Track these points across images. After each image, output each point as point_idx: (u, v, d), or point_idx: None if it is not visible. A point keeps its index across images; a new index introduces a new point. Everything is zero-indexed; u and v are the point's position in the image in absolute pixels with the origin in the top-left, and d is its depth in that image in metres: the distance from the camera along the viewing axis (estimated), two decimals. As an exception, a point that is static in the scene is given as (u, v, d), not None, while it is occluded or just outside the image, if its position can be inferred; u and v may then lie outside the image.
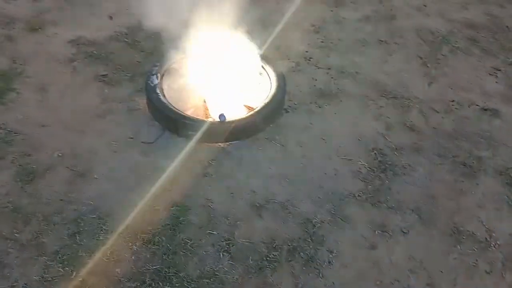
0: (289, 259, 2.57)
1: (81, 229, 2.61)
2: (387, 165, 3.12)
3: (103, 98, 3.45)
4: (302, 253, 2.60)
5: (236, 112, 3.27)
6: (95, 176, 2.91)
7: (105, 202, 2.76)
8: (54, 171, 2.91)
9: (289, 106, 3.49)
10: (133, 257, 2.51)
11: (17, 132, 3.14)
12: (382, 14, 4.56)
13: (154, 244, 2.57)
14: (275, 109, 3.27)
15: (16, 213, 2.67)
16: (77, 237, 2.57)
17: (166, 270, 2.46)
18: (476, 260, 2.66)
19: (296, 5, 4.42)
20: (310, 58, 3.97)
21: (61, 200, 2.76)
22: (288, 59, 3.93)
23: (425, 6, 4.71)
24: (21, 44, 3.89)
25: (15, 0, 4.46)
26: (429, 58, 4.03)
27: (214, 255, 2.56)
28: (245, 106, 3.39)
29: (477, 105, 3.62)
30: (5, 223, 2.62)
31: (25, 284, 2.37)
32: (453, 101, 3.64)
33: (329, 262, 2.59)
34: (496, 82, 3.85)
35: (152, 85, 3.28)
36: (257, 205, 2.82)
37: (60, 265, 2.45)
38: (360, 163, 3.13)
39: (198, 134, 3.08)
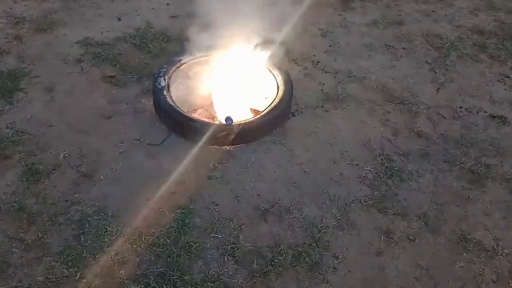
0: (294, 264, 2.56)
1: (86, 230, 2.61)
2: (393, 171, 3.10)
3: (110, 99, 3.45)
4: (307, 258, 2.59)
5: (242, 115, 3.25)
6: (101, 177, 2.90)
7: (110, 203, 2.76)
8: (59, 171, 2.92)
9: (296, 110, 3.48)
10: (137, 259, 2.51)
11: (24, 131, 3.14)
12: (390, 19, 4.55)
13: (158, 247, 2.56)
14: (281, 113, 3.25)
15: (22, 212, 2.67)
16: (82, 238, 2.57)
17: (171, 273, 2.45)
18: (483, 269, 2.64)
19: (303, 9, 4.41)
20: (317, 62, 3.96)
21: (66, 200, 2.75)
22: (296, 63, 3.92)
23: (433, 11, 4.70)
24: (29, 44, 3.91)
25: (23, 0, 4.48)
26: (437, 63, 4.01)
27: (218, 259, 2.55)
28: (251, 109, 3.37)
29: (485, 111, 3.60)
30: (10, 223, 2.62)
31: (29, 284, 2.36)
32: (461, 107, 3.62)
33: (334, 268, 2.57)
34: (505, 89, 3.82)
35: (159, 87, 3.27)
36: (262, 209, 2.81)
37: (65, 266, 2.44)
38: (367, 168, 3.11)
39: (205, 137, 3.07)
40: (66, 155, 3.01)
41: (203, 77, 3.62)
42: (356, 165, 3.13)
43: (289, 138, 3.27)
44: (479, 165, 3.19)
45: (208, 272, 2.48)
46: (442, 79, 3.86)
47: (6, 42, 3.91)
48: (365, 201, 2.91)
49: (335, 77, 3.82)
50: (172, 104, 3.19)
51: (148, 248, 2.55)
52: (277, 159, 3.12)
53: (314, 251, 2.63)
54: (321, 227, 2.75)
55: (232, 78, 3.47)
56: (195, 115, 3.24)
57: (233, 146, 3.16)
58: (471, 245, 2.74)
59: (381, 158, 3.18)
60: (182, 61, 3.56)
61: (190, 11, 4.45)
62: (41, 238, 2.56)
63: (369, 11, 4.67)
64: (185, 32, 4.11)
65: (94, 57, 3.81)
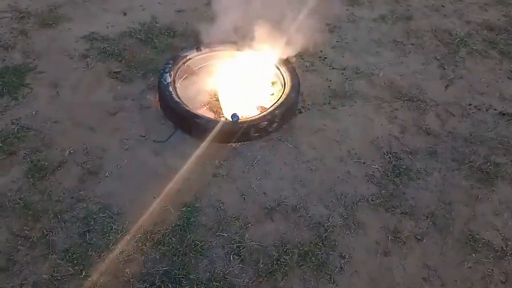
0: (300, 263, 2.53)
1: (91, 228, 2.60)
2: (401, 169, 3.06)
3: (116, 95, 3.43)
4: (313, 258, 2.56)
5: (248, 112, 3.22)
6: (106, 174, 2.89)
7: (116, 200, 2.74)
8: (65, 168, 2.90)
9: (303, 107, 3.44)
10: (143, 258, 2.49)
11: (29, 127, 3.13)
12: (398, 14, 4.48)
13: (164, 245, 2.55)
14: (288, 110, 3.22)
15: (27, 209, 2.66)
16: (87, 236, 2.56)
17: (176, 271, 2.44)
18: (492, 269, 2.61)
19: (310, 3, 4.35)
20: (324, 58, 3.91)
21: (72, 197, 2.74)
22: (302, 59, 3.87)
23: (443, 6, 4.62)
24: (34, 39, 3.88)
25: (29, -6, 4.46)
26: (446, 60, 3.95)
27: (224, 258, 2.54)
28: (259, 107, 3.33)
29: (495, 109, 3.54)
30: (16, 220, 2.62)
31: (35, 282, 2.36)
32: (470, 104, 3.57)
33: (341, 268, 2.55)
34: (515, 86, 3.77)
35: (165, 83, 3.25)
36: (269, 207, 2.79)
37: (70, 264, 2.44)
38: (374, 166, 3.07)
39: (211, 134, 3.04)
40: (71, 151, 3.00)
41: (209, 73, 3.58)
42: (364, 163, 3.09)
43: (296, 135, 3.23)
44: (488, 163, 3.14)
45: (214, 271, 2.47)
46: (451, 75, 3.80)
47: (12, 37, 3.89)
48: (372, 200, 2.88)
49: (343, 73, 3.77)
50: (178, 100, 3.17)
51: (154, 247, 2.54)
52: (283, 156, 3.09)
53: (321, 251, 2.60)
54: (327, 226, 2.72)
55: (238, 74, 3.44)
56: (200, 112, 3.20)
57: (239, 143, 3.13)
58: (479, 245, 2.71)
59: (389, 156, 3.14)
60: (188, 57, 3.53)
61: (196, 5, 4.42)
62: (47, 235, 2.56)
63: (377, 6, 4.60)
64: (191, 26, 4.12)
65: (99, 53, 3.79)
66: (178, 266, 2.46)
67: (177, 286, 2.39)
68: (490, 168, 3.11)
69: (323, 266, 2.54)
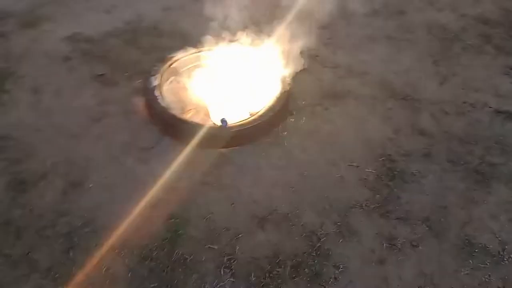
0: (293, 275, 2.45)
1: (75, 244, 2.49)
2: (395, 172, 2.98)
3: (100, 100, 3.31)
4: (306, 269, 2.48)
5: (238, 116, 3.11)
6: (90, 185, 2.78)
7: (100, 213, 2.64)
8: (47, 180, 2.79)
9: (294, 108, 3.33)
10: (129, 275, 2.40)
11: (9, 137, 3.01)
12: (391, 9, 4.37)
13: (151, 260, 2.45)
14: (279, 112, 3.11)
15: (8, 226, 2.56)
16: (71, 253, 2.46)
17: (164, 288, 2.35)
18: (489, 275, 2.54)
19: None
20: (316, 56, 3.80)
21: (54, 212, 2.64)
22: (293, 57, 3.75)
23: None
24: (14, 41, 3.74)
25: (8, -7, 4.31)
26: (441, 56, 3.85)
27: (214, 272, 2.45)
28: (250, 112, 3.21)
29: (490, 107, 3.46)
30: (-4, 237, 2.51)
31: (17, 303, 2.27)
32: (465, 102, 3.48)
33: (335, 279, 2.47)
34: (510, 82, 3.68)
35: (151, 86, 3.13)
36: (260, 216, 2.70)
37: (53, 283, 2.34)
38: (368, 170, 2.99)
39: (199, 140, 2.94)
40: (53, 161, 2.88)
41: (197, 74, 3.47)
42: (357, 166, 3.01)
43: (287, 138, 3.14)
44: (484, 164, 3.07)
45: (204, 287, 2.38)
46: (445, 72, 3.71)
47: (-10, 40, 3.75)
48: (366, 205, 2.80)
49: (335, 72, 3.67)
50: (164, 105, 3.06)
51: (141, 262, 2.44)
52: (274, 161, 2.99)
53: (314, 261, 2.52)
54: (321, 234, 2.64)
55: (227, 75, 3.32)
56: (188, 117, 3.10)
57: (229, 148, 3.03)
58: (476, 251, 2.64)
59: (383, 159, 3.05)
60: (175, 58, 3.41)
61: (183, 2, 4.29)
62: (28, 253, 2.45)
63: (369, 0, 4.47)
64: (178, 25, 3.99)
65: (82, 54, 3.66)
66: (166, 282, 2.37)
67: (166, 303, 2.31)
68: (486, 169, 3.03)
69: (317, 278, 2.46)
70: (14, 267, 2.39)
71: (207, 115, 3.20)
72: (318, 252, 2.56)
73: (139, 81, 3.40)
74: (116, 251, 2.47)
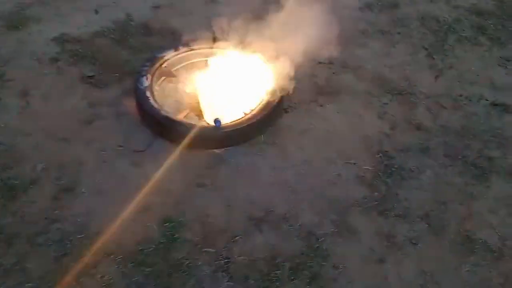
0: (292, 277, 2.41)
1: (68, 251, 2.43)
2: (393, 169, 2.94)
3: (90, 102, 3.23)
4: (305, 271, 2.44)
5: (231, 116, 3.05)
6: (83, 190, 2.72)
7: (93, 219, 2.58)
8: (38, 185, 2.72)
9: (289, 106, 3.28)
10: (125, 282, 2.35)
11: (-3, 142, 2.93)
12: (384, 1, 4.30)
13: (147, 266, 2.40)
14: (273, 111, 3.06)
15: (-2, 234, 2.49)
16: (64, 260, 2.40)
17: (161, 294, 2.30)
18: (490, 272, 2.52)
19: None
20: (309, 52, 3.73)
21: (46, 218, 2.57)
22: (286, 53, 3.69)
23: (429, -9, 4.46)
24: (0, 43, 3.64)
25: (-7, -6, 4.20)
26: (435, 48, 3.81)
27: (212, 276, 2.40)
28: (243, 112, 3.15)
29: (486, 99, 3.43)
30: (-14, 246, 2.45)
31: (10, 315, 2.21)
32: (461, 95, 3.45)
33: (335, 279, 2.44)
34: (506, 73, 3.65)
35: (142, 87, 3.06)
36: (257, 217, 2.65)
37: (47, 292, 2.28)
38: (365, 167, 2.95)
39: (192, 140, 2.88)
40: (44, 166, 2.81)
41: (189, 74, 3.41)
42: (354, 164, 2.97)
43: (282, 137, 3.09)
44: (481, 158, 3.04)
45: (202, 291, 2.33)
46: (440, 65, 3.67)
47: (-25, 42, 3.66)
48: (364, 203, 2.76)
49: (329, 67, 3.61)
50: (156, 105, 2.99)
51: (136, 268, 2.39)
52: (270, 161, 2.94)
53: (313, 262, 2.48)
54: (319, 235, 2.60)
55: (220, 74, 3.26)
56: (181, 117, 3.03)
57: (223, 148, 2.98)
58: (476, 246, 2.61)
59: (380, 155, 3.01)
60: (166, 58, 3.34)
61: (172, 0, 4.21)
62: (20, 261, 2.39)
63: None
64: (168, 23, 3.91)
65: (71, 56, 3.57)
66: (163, 288, 2.32)
67: (163, 310, 2.26)
68: (484, 163, 3.01)
69: (316, 279, 2.42)
70: (6, 276, 2.33)
71: (200, 115, 3.14)
72: (317, 253, 2.52)
73: (130, 82, 3.33)
74: (110, 257, 2.42)
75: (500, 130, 3.20)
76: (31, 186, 2.71)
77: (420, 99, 3.39)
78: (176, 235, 2.53)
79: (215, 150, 2.97)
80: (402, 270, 2.50)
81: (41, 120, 3.09)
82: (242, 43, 3.29)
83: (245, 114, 3.03)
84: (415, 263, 2.53)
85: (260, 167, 2.91)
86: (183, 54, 3.41)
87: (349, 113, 3.29)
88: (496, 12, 4.18)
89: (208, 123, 3.03)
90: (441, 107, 3.35)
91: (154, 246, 2.48)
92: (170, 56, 3.36)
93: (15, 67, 3.46)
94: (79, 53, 3.59)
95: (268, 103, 3.03)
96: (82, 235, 2.49)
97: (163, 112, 2.96)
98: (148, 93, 3.04)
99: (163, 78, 3.31)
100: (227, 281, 2.38)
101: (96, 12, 4.03)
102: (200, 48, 3.45)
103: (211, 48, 3.44)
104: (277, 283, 2.38)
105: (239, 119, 2.99)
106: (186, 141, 2.88)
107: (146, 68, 3.20)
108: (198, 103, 3.20)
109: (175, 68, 3.36)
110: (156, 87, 3.21)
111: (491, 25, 4.03)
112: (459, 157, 3.03)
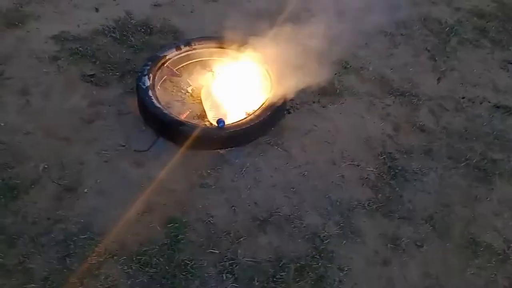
0: (297, 279, 2.40)
1: (71, 252, 2.40)
2: (397, 171, 2.94)
3: (91, 101, 3.19)
4: (310, 273, 2.43)
5: (235, 116, 3.03)
6: (85, 190, 2.69)
7: (97, 219, 2.55)
8: (39, 185, 2.68)
9: (291, 107, 3.26)
10: (129, 282, 2.33)
11: (-2, 141, 2.89)
12: (386, 2, 4.29)
13: (151, 267, 2.38)
14: (276, 111, 3.04)
15: (0, 234, 2.45)
16: (67, 261, 2.37)
17: (166, 296, 2.27)
18: (495, 274, 2.53)
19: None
20: (311, 53, 3.71)
21: (49, 218, 2.54)
22: (288, 55, 3.67)
23: (430, -7, 4.45)
24: (-1, 41, 3.60)
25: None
26: (437, 50, 3.81)
27: (216, 277, 2.38)
28: (246, 112, 3.12)
29: (489, 101, 3.43)
30: (-12, 246, 2.41)
31: (12, 316, 2.17)
32: (463, 97, 3.45)
33: (340, 281, 2.43)
34: (508, 76, 3.65)
35: (144, 87, 3.03)
36: (261, 218, 2.64)
37: (50, 293, 2.25)
38: (369, 169, 2.94)
39: (195, 141, 2.85)
40: (46, 166, 2.77)
41: (191, 73, 3.38)
42: (357, 165, 2.96)
43: (285, 138, 3.07)
44: (485, 160, 3.04)
45: (206, 293, 2.31)
46: (442, 67, 3.67)
47: (-26, 40, 3.60)
48: (368, 205, 2.75)
49: (331, 68, 3.59)
50: (159, 105, 2.96)
51: (141, 269, 2.37)
52: (273, 162, 2.93)
53: (318, 264, 2.47)
54: (323, 236, 2.59)
55: (223, 74, 3.24)
56: (184, 117, 3.01)
57: (227, 149, 2.95)
58: (481, 249, 2.62)
59: (383, 157, 3.01)
60: (168, 57, 3.31)
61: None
62: (23, 262, 2.36)
63: (363, -6, 4.41)
64: (169, 22, 3.88)
65: (71, 54, 3.52)
66: (167, 290, 2.30)
67: (168, 312, 2.23)
68: (487, 165, 3.01)
69: (321, 281, 2.41)
70: (9, 277, 2.30)
71: (203, 115, 3.11)
72: (322, 255, 2.51)
73: (131, 81, 3.30)
74: (114, 258, 2.40)
75: (503, 132, 3.21)
76: (32, 186, 2.67)
77: (423, 101, 3.39)
78: (180, 236, 2.51)
79: (218, 150, 2.94)
80: (407, 272, 2.50)
81: (41, 119, 3.05)
82: (245, 43, 3.26)
83: (248, 114, 3.01)
84: (420, 265, 2.53)
85: (264, 168, 2.89)
86: (185, 53, 3.38)
87: (351, 114, 3.28)
88: (498, 14, 4.19)
89: (211, 123, 3.01)
90: (444, 109, 3.35)
91: (158, 247, 2.45)
92: (172, 55, 3.32)
93: (14, 65, 3.41)
94: (79, 52, 3.54)
95: (271, 104, 3.00)
96: (86, 236, 2.46)
97: (165, 112, 2.93)
98: (150, 93, 3.00)
99: (165, 77, 3.28)
100: (232, 283, 2.37)
101: (96, 10, 3.98)
102: (202, 48, 3.41)
103: (214, 47, 3.41)
104: (282, 285, 2.37)
105: (242, 120, 2.97)
106: (189, 141, 2.85)
107: (148, 67, 3.16)
108: (200, 103, 3.17)
109: (177, 68, 3.33)
110: (158, 87, 3.18)
111: (493, 28, 4.04)
112: (463, 159, 3.03)
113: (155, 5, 4.11)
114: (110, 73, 3.39)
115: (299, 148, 3.02)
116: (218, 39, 3.38)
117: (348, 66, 3.62)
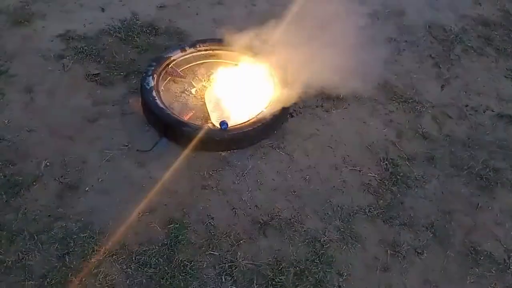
0: (296, 283, 2.39)
1: (71, 250, 2.40)
2: (398, 177, 2.93)
3: (95, 100, 3.21)
4: (310, 277, 2.42)
5: (238, 118, 3.03)
6: (86, 188, 2.69)
7: (97, 218, 2.56)
8: (41, 182, 2.69)
9: (294, 110, 3.27)
10: (128, 282, 2.32)
11: (1, 138, 2.90)
12: (391, 9, 4.30)
13: (150, 267, 2.37)
14: (279, 114, 3.04)
15: (0, 231, 2.46)
16: (67, 259, 2.37)
17: (164, 297, 2.27)
18: (495, 284, 2.51)
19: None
20: (315, 57, 3.72)
21: (49, 215, 2.54)
22: (292, 59, 3.67)
23: (436, 0, 4.46)
24: (5, 39, 3.61)
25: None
26: (441, 58, 3.81)
27: (215, 279, 2.38)
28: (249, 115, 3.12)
29: (492, 110, 3.43)
30: (-12, 243, 2.41)
31: (10, 313, 2.17)
32: (467, 106, 3.44)
33: (339, 287, 2.43)
34: (512, 85, 3.65)
35: (148, 87, 3.04)
36: (261, 221, 2.63)
37: (49, 290, 2.25)
38: (370, 174, 2.94)
39: (198, 142, 2.86)
40: (48, 164, 2.78)
41: (195, 75, 3.39)
42: (359, 171, 2.95)
43: (288, 141, 3.07)
44: (487, 169, 3.03)
45: (205, 295, 2.31)
46: (446, 75, 3.67)
47: (-20, 37, 3.62)
48: (369, 211, 2.75)
49: (335, 73, 3.58)
50: (162, 106, 2.97)
51: (140, 269, 2.37)
52: (275, 165, 2.93)
53: (317, 268, 2.47)
54: (324, 241, 2.58)
55: (226, 76, 3.24)
56: (187, 118, 3.01)
57: (229, 151, 2.96)
58: (481, 258, 2.60)
59: (385, 163, 3.00)
60: (172, 58, 3.32)
61: (179, 0, 4.19)
62: (22, 259, 2.36)
63: (369, 0, 4.40)
64: (174, 23, 3.89)
65: (76, 53, 3.54)
66: (166, 290, 2.30)
67: (166, 312, 2.23)
68: (489, 174, 3.00)
69: (321, 286, 2.41)
70: (8, 274, 2.30)
71: (206, 117, 3.12)
72: (322, 259, 2.51)
73: (136, 81, 3.31)
74: (114, 257, 2.39)
75: (506, 141, 3.20)
76: (34, 183, 2.68)
77: (426, 108, 3.39)
78: (180, 237, 2.50)
79: (220, 152, 2.94)
80: (406, 279, 2.49)
81: (45, 117, 3.06)
82: (249, 45, 3.27)
83: (251, 117, 3.01)
84: (420, 273, 2.52)
85: (265, 171, 2.89)
86: (190, 55, 3.39)
87: (354, 120, 3.28)
88: (503, 23, 4.19)
89: (214, 125, 3.01)
90: (447, 116, 3.35)
91: (157, 247, 2.45)
92: (176, 56, 3.34)
93: (19, 63, 3.43)
94: (85, 51, 3.56)
95: (274, 107, 3.00)
96: (86, 234, 2.47)
97: (169, 113, 2.94)
98: (154, 93, 3.01)
99: (169, 78, 3.29)
100: (231, 285, 2.36)
101: (102, 9, 4.00)
102: (207, 49, 3.43)
103: (218, 49, 3.42)
104: (282, 289, 2.36)
105: (245, 122, 2.97)
106: (191, 142, 2.86)
107: (152, 68, 3.18)
108: (204, 104, 3.17)
109: (181, 69, 3.34)
110: (162, 87, 3.19)
111: (497, 36, 4.04)
112: (465, 167, 3.03)
113: (160, 6, 4.13)
114: (115, 73, 3.41)
115: (301, 152, 3.02)
116: (222, 41, 3.39)
117: (352, 71, 3.61)
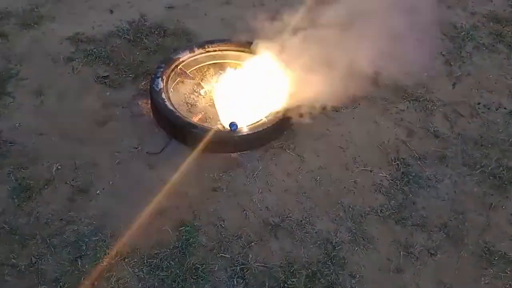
0: (309, 286, 2.39)
1: (83, 253, 2.41)
2: (410, 177, 2.91)
3: (105, 102, 3.21)
4: (322, 279, 2.41)
5: (247, 119, 3.02)
6: (97, 191, 2.70)
7: (109, 221, 2.56)
8: (52, 186, 2.70)
9: (304, 111, 3.23)
10: (140, 285, 2.33)
11: (12, 142, 2.91)
12: (400, 6, 4.25)
13: (162, 270, 2.38)
14: (289, 115, 3.02)
15: (13, 235, 2.47)
16: (79, 262, 2.38)
17: (176, 300, 2.27)
18: (509, 284, 2.49)
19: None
20: (325, 57, 3.69)
21: (61, 219, 2.55)
22: (302, 59, 3.65)
23: (446, -3, 4.41)
24: (15, 41, 3.62)
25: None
26: (452, 55, 3.76)
27: (227, 282, 2.38)
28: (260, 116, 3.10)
29: (505, 108, 3.38)
30: (1, 247, 2.42)
31: (24, 317, 2.19)
32: (479, 103, 3.40)
33: (352, 288, 2.40)
34: (525, 82, 3.60)
35: (157, 89, 3.04)
36: (272, 223, 2.63)
37: (61, 294, 2.26)
38: (382, 174, 2.91)
39: (207, 144, 2.85)
40: (59, 167, 2.79)
41: (204, 76, 3.38)
42: (371, 171, 2.93)
43: (298, 142, 3.05)
44: (500, 168, 2.99)
45: (217, 297, 2.31)
46: (458, 72, 3.62)
47: (-10, 40, 3.64)
48: (381, 211, 2.73)
49: (345, 72, 3.55)
50: (172, 108, 2.97)
51: (152, 272, 2.37)
52: (285, 166, 2.91)
53: (330, 270, 2.45)
54: (335, 242, 2.57)
55: (236, 77, 3.23)
56: (197, 120, 3.01)
57: (239, 153, 2.95)
58: (496, 258, 2.57)
59: (397, 163, 2.98)
60: (181, 59, 3.31)
61: (187, 0, 4.18)
62: (35, 263, 2.37)
63: (378, -2, 4.37)
64: (182, 24, 3.89)
65: (85, 55, 3.54)
66: (178, 293, 2.30)
67: (178, 316, 2.23)
68: (503, 173, 2.96)
69: (333, 288, 2.39)
70: (21, 278, 2.32)
71: (215, 118, 3.11)
72: (334, 261, 2.49)
73: (145, 83, 3.31)
74: (125, 260, 2.40)
75: (519, 139, 3.16)
76: (45, 186, 2.69)
77: (437, 106, 3.35)
78: (191, 240, 2.50)
79: (230, 154, 2.94)
80: (420, 280, 2.47)
81: (55, 120, 3.07)
82: (259, 46, 3.25)
83: (261, 118, 3.00)
84: (433, 274, 2.50)
85: (276, 172, 2.88)
86: (199, 56, 3.38)
87: (364, 119, 3.25)
88: (514, 19, 4.13)
89: (223, 127, 3.00)
90: (459, 114, 3.31)
91: (169, 250, 2.45)
92: (185, 57, 3.33)
93: (29, 66, 3.44)
94: (94, 53, 3.56)
95: (284, 108, 2.99)
96: (97, 237, 2.48)
97: (178, 115, 2.93)
98: (163, 95, 3.01)
99: (178, 79, 3.29)
100: (243, 288, 2.36)
101: (111, 11, 4.00)
102: (216, 50, 3.42)
103: (227, 50, 3.41)
104: (294, 291, 2.35)
105: (255, 123, 2.96)
106: (201, 144, 2.85)
107: (161, 69, 3.17)
108: (213, 106, 3.16)
109: (190, 70, 3.33)
110: (171, 89, 3.18)
111: (509, 33, 3.98)
112: (478, 166, 2.99)
113: (169, 7, 4.12)
114: (124, 75, 3.41)
115: (311, 153, 3.00)
116: (231, 42, 3.37)
117: (361, 70, 3.58)
